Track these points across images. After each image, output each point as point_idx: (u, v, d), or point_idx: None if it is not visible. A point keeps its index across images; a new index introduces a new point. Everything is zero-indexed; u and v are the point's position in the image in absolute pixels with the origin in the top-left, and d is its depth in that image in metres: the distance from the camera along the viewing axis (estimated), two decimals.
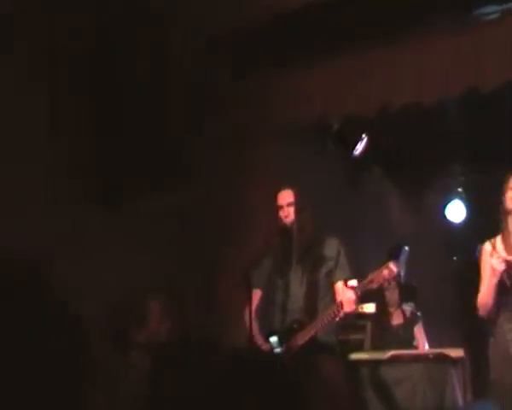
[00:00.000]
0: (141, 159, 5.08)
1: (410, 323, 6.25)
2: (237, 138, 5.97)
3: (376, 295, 6.10)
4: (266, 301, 4.70)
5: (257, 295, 4.68)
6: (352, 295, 4.30)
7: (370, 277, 4.34)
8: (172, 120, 5.27)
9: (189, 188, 5.29)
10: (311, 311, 4.45)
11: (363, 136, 7.24)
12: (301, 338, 4.38)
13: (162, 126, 5.17)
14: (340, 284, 4.50)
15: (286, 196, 4.65)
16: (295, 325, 4.44)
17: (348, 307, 4.29)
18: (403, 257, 8.35)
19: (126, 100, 5.10)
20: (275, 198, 4.68)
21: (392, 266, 4.29)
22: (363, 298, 6.03)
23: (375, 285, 4.33)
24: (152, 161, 5.10)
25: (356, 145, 7.29)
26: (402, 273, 7.62)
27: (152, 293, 5.20)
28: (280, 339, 4.47)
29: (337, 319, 4.39)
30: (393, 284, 6.17)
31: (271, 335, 4.50)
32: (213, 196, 5.89)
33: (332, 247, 4.57)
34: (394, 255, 7.99)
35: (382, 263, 4.38)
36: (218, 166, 5.86)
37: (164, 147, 5.18)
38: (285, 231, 4.60)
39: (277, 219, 4.62)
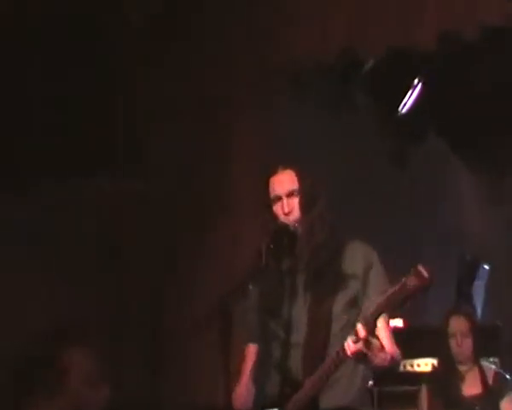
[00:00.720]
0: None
1: (494, 392, 5.86)
2: (205, 93, 5.74)
3: (436, 343, 5.76)
4: (263, 356, 4.50)
5: (251, 351, 4.58)
6: (358, 328, 4.01)
7: (388, 292, 4.01)
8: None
9: (133, 177, 5.04)
10: (314, 364, 4.21)
11: (415, 82, 7.17)
12: (292, 405, 4.17)
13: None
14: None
15: (285, 181, 4.44)
16: (287, 389, 4.26)
17: (351, 348, 4.02)
18: (481, 280, 7.76)
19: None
20: (267, 185, 4.45)
21: (423, 270, 3.92)
22: (416, 350, 5.56)
23: (396, 305, 3.97)
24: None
25: (402, 97, 7.23)
26: (479, 308, 7.16)
27: (73, 338, 5.07)
28: None
29: (338, 367, 4.13)
30: (464, 323, 5.77)
31: (267, 408, 4.25)
32: (172, 187, 5.61)
33: (358, 257, 4.32)
34: (467, 277, 7.41)
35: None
36: (177, 142, 5.59)
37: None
38: (285, 236, 4.37)
39: (271, 217, 4.37)
